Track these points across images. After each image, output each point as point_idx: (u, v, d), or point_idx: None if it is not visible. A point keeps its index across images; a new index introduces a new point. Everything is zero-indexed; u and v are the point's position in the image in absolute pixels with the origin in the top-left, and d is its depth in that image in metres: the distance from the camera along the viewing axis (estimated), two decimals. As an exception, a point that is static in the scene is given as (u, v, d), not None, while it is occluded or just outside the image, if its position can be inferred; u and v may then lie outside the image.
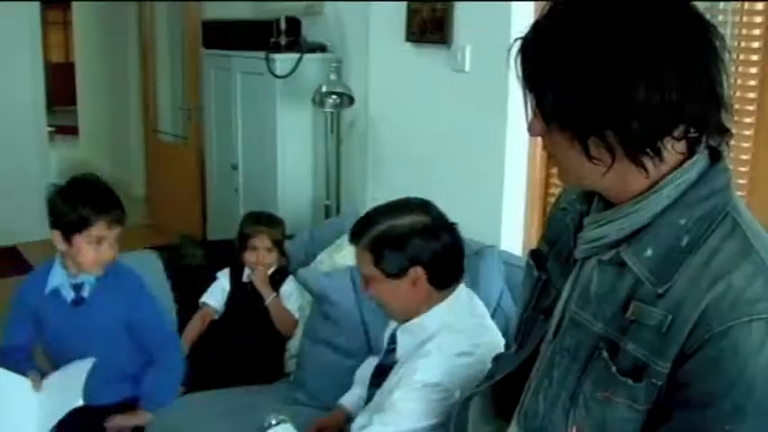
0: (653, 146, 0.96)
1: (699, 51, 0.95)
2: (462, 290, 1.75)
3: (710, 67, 0.95)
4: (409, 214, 1.68)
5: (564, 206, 1.22)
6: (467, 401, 1.33)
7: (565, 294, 1.12)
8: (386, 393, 1.70)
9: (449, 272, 1.70)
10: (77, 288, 1.91)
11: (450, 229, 1.70)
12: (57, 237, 1.87)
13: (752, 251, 0.96)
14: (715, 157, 1.02)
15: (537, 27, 1.00)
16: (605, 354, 1.02)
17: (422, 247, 1.65)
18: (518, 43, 1.01)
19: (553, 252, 1.21)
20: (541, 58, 0.98)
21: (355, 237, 1.70)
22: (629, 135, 0.94)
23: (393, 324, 1.85)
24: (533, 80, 1.00)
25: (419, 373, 1.61)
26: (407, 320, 1.72)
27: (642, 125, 0.93)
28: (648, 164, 0.97)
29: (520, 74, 1.01)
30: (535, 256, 1.27)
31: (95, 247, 1.86)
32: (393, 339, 1.79)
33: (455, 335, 1.66)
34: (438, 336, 1.66)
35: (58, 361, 1.91)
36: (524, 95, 1.03)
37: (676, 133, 0.96)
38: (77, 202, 1.85)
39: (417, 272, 1.65)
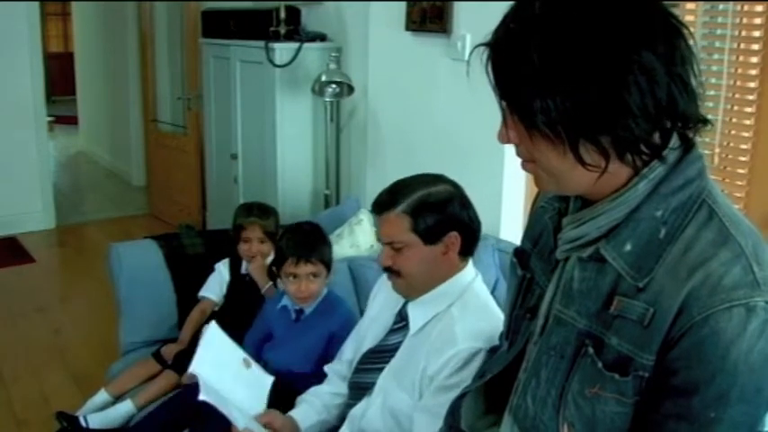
0: (646, 145, 0.95)
1: (676, 47, 0.94)
2: (471, 262, 1.81)
3: (687, 59, 0.95)
4: (440, 184, 1.74)
5: (542, 204, 1.22)
6: (459, 399, 1.33)
7: (549, 294, 1.12)
8: (404, 370, 1.71)
9: (474, 240, 1.77)
10: (299, 312, 2.28)
11: (469, 201, 1.78)
12: (276, 276, 2.36)
13: (729, 238, 0.95)
14: (687, 146, 1.01)
15: (511, 30, 0.95)
16: (591, 350, 1.02)
17: (458, 213, 1.71)
18: (487, 48, 0.98)
19: (536, 250, 1.21)
20: (528, 62, 0.92)
21: (388, 204, 1.71)
22: (623, 138, 0.93)
23: (395, 303, 1.85)
24: (515, 86, 0.95)
25: (460, 342, 1.62)
26: (416, 296, 1.75)
27: (637, 126, 0.93)
28: (636, 161, 0.97)
29: (493, 80, 0.98)
30: (518, 254, 1.27)
31: (292, 281, 2.21)
32: (400, 318, 1.80)
33: (474, 297, 1.74)
34: (460, 299, 1.72)
35: (275, 357, 2.25)
36: (499, 101, 1.01)
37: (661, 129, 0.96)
38: (280, 242, 2.30)
39: (453, 237, 1.70)
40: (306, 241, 2.24)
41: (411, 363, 1.71)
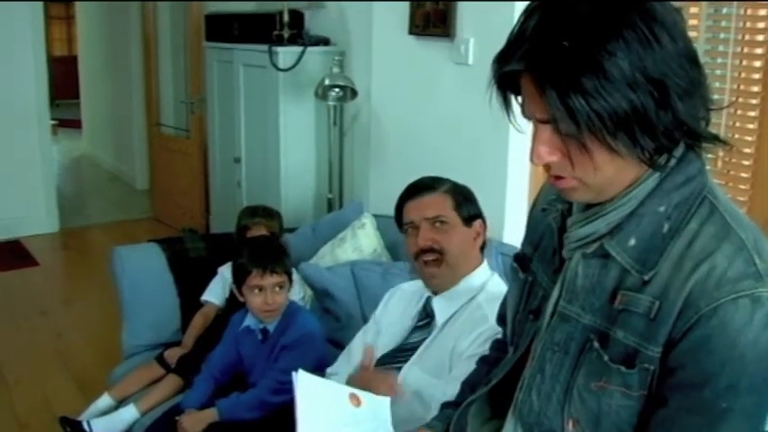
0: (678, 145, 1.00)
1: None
2: (486, 262, 1.94)
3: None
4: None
5: (544, 207, 1.23)
6: (467, 407, 1.33)
7: (555, 294, 1.12)
8: (430, 357, 1.78)
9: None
10: (264, 332, 2.25)
11: None
12: (237, 293, 2.22)
13: (731, 232, 0.98)
14: (687, 145, 1.03)
15: (569, 49, 0.91)
16: (596, 344, 1.04)
17: (479, 205, 1.93)
18: (532, 72, 0.96)
19: (537, 253, 1.23)
20: (598, 73, 0.90)
21: (430, 186, 1.89)
22: (672, 136, 0.96)
23: (413, 306, 1.93)
24: (582, 98, 0.91)
25: (492, 320, 1.66)
26: (447, 286, 1.84)
27: (686, 128, 0.96)
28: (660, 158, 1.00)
29: (547, 100, 0.93)
30: (519, 259, 1.28)
31: (257, 294, 2.16)
32: (424, 314, 1.87)
33: (496, 286, 1.85)
34: (483, 290, 1.83)
35: (251, 377, 2.26)
36: (536, 122, 1.00)
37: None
38: (239, 258, 2.20)
39: (480, 224, 1.89)
40: (269, 252, 2.21)
41: (437, 350, 1.79)
